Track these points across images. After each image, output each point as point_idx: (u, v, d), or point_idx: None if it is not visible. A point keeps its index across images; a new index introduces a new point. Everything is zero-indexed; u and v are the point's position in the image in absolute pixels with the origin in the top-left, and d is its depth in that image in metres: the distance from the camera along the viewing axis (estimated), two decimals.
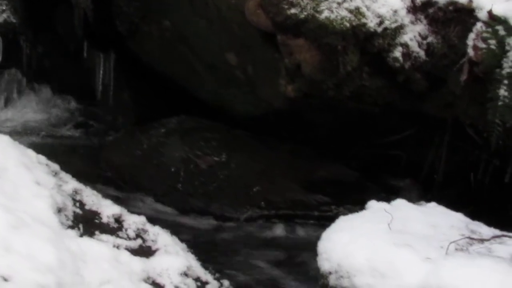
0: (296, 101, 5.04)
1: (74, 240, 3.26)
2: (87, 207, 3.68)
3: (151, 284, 3.26)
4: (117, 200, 4.39)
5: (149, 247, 3.57)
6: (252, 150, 5.42)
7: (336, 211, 4.88)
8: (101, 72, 6.17)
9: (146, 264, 3.37)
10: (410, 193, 5.09)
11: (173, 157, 5.32)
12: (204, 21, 5.40)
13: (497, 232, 3.47)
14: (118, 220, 3.68)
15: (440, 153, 5.06)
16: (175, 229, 4.19)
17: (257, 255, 4.45)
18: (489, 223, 3.69)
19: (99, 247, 3.29)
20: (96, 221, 3.61)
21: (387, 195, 4.64)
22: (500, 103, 4.26)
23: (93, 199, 3.77)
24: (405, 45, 4.56)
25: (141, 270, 3.31)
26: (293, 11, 4.52)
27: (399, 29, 4.55)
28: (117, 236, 3.54)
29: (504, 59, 4.30)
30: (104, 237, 3.48)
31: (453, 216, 3.67)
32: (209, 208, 5.00)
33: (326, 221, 3.77)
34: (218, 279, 3.61)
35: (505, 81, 4.26)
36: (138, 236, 3.62)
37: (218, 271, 3.75)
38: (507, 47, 4.30)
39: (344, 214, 3.70)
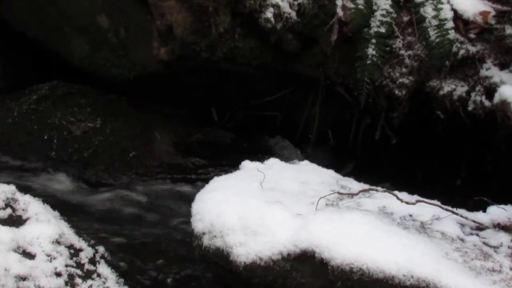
0: (170, 64, 5.00)
1: None
2: None
3: (21, 253, 3.17)
4: None
5: (20, 216, 3.45)
6: (127, 114, 5.33)
7: (213, 174, 4.87)
8: None
9: (16, 234, 3.26)
10: (285, 152, 5.17)
11: (45, 124, 5.16)
12: None
13: (365, 186, 3.57)
14: None
15: (314, 112, 5.16)
16: (48, 197, 4.11)
17: (133, 219, 4.41)
18: (362, 179, 3.79)
19: None
20: None
21: (263, 155, 4.69)
22: (368, 61, 4.40)
23: None
24: (276, 6, 4.59)
25: (10, 240, 3.20)
26: None
27: None
28: None
29: (372, 19, 4.42)
30: None
31: (324, 173, 3.76)
32: (84, 175, 4.90)
33: (204, 183, 3.76)
34: (92, 246, 3.55)
35: (373, 40, 4.39)
36: (7, 205, 3.49)
37: (94, 238, 3.69)
38: (374, 7, 4.42)
39: (220, 175, 3.72)
